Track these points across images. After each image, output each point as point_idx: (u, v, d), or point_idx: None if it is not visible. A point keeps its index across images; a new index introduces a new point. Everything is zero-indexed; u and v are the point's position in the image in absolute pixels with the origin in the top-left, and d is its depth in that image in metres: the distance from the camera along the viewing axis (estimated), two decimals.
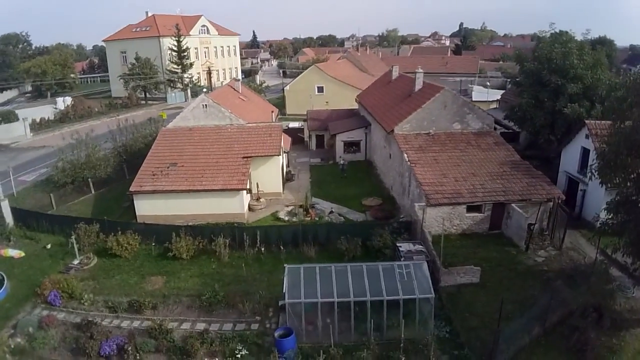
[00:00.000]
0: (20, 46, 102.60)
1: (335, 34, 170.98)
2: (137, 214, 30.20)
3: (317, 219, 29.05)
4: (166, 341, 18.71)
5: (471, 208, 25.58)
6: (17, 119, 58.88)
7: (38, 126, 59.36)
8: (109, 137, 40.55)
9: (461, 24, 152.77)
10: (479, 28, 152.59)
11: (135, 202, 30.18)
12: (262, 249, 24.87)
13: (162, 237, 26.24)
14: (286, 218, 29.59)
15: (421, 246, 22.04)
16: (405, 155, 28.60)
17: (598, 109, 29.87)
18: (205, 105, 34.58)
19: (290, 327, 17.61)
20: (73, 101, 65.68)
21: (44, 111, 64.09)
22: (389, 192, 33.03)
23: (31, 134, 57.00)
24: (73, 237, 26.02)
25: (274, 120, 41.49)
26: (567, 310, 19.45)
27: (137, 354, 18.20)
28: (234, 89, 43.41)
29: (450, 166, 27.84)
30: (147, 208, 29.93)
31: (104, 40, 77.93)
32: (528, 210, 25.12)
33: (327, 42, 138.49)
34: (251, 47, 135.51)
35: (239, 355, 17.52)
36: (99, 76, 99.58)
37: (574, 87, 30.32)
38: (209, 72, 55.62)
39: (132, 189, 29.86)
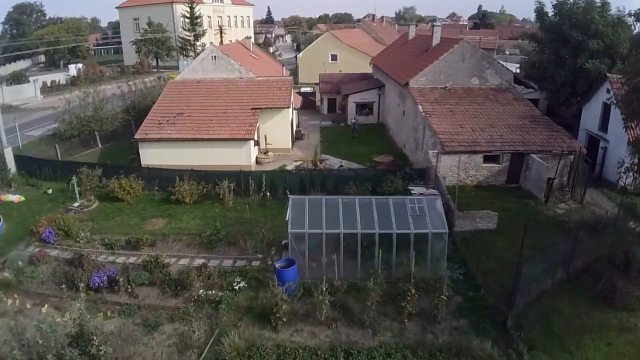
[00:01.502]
0: (34, 15, 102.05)
1: (351, 12, 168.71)
2: (142, 163, 29.29)
3: (325, 171, 27.81)
4: (161, 274, 17.71)
5: (488, 158, 24.17)
6: (28, 81, 58.48)
7: (49, 89, 58.93)
8: (119, 96, 39.89)
9: (480, 7, 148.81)
10: (498, 11, 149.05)
11: (140, 150, 29.27)
12: (268, 193, 23.75)
13: (166, 182, 25.31)
14: (295, 171, 28.37)
15: (435, 190, 20.72)
16: (420, 107, 27.17)
17: (619, 67, 28.47)
18: (214, 56, 33.37)
19: (293, 259, 16.48)
20: (84, 66, 64.87)
21: (57, 77, 63.64)
22: (402, 151, 31.68)
23: (41, 96, 56.56)
24: (74, 178, 25.21)
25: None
26: (591, 258, 18.13)
27: (129, 286, 17.20)
28: (245, 46, 42.05)
29: (467, 117, 26.40)
30: (152, 157, 28.97)
31: (117, 7, 76.82)
32: (548, 164, 23.62)
33: (343, 20, 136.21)
34: (266, 22, 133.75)
35: (236, 288, 16.46)
36: (112, 47, 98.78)
37: (594, 43, 28.84)
38: (221, 32, 54.26)
39: (137, 136, 28.99)
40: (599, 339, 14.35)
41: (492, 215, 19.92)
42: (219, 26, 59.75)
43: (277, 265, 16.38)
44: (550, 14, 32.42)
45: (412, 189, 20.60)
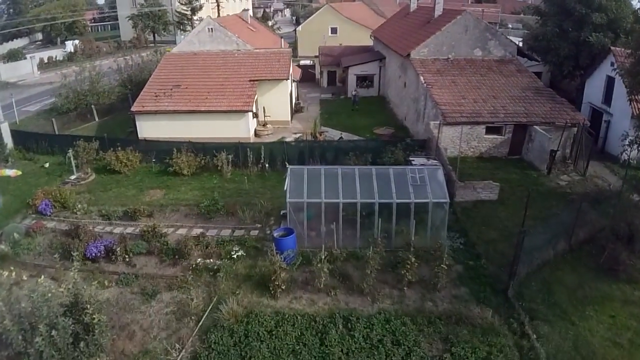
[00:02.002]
0: None
1: None
2: (139, 135, 28.88)
3: (325, 143, 27.38)
4: (159, 243, 17.48)
5: (490, 130, 23.73)
6: (24, 58, 57.57)
7: (46, 65, 58.08)
8: (115, 71, 39.26)
9: None
10: None
11: (137, 123, 28.83)
12: (267, 165, 23.38)
13: (163, 154, 24.98)
14: (293, 143, 27.95)
15: (436, 161, 20.33)
16: (422, 77, 26.58)
17: (622, 41, 28.05)
18: (211, 29, 32.60)
19: (291, 228, 16.21)
20: (81, 42, 63.77)
21: (54, 54, 62.70)
22: (402, 123, 31.20)
23: (38, 72, 55.74)
24: (70, 151, 24.86)
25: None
26: (594, 230, 17.86)
27: (127, 256, 16.96)
28: (242, 19, 41.11)
29: (469, 89, 25.84)
30: (149, 130, 28.55)
31: None
32: (551, 136, 23.16)
33: None
34: None
35: (235, 256, 16.23)
36: (109, 23, 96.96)
37: (598, 17, 28.26)
38: (218, 5, 53.08)
39: (133, 108, 28.50)
40: (602, 311, 14.11)
41: (493, 185, 19.60)
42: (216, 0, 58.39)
43: (275, 234, 16.12)
44: None
45: (413, 160, 20.24)
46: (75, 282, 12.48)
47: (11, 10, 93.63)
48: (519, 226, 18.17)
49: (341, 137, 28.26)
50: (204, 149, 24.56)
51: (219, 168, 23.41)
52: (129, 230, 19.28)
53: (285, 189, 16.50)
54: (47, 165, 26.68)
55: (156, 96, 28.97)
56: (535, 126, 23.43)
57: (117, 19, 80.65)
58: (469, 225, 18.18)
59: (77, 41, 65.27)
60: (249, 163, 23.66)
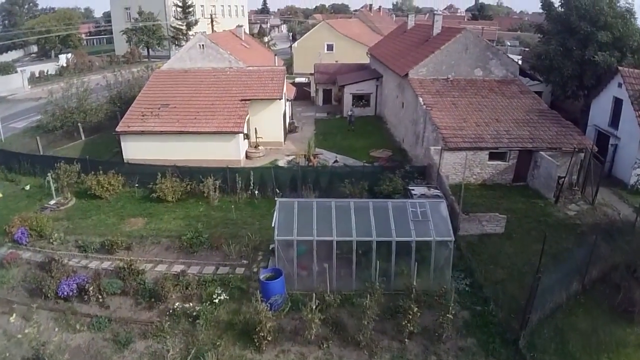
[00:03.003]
0: (26, 6, 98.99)
1: (347, 3, 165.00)
2: (124, 157, 27.28)
3: (319, 167, 25.84)
4: (135, 282, 15.78)
5: (494, 155, 22.22)
6: (15, 72, 56.07)
7: (37, 79, 56.56)
8: (104, 87, 37.79)
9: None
10: (495, 4, 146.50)
11: (122, 143, 27.21)
12: (256, 192, 21.74)
13: (147, 178, 23.32)
14: (286, 167, 26.41)
15: (437, 191, 18.77)
16: (421, 99, 25.15)
17: (629, 60, 26.75)
18: (202, 45, 31.19)
19: (279, 269, 14.52)
20: (73, 55, 62.34)
21: (47, 68, 61.29)
22: (400, 145, 29.71)
23: (29, 87, 54.25)
24: (49, 175, 23.26)
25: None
26: (608, 267, 16.31)
27: (100, 296, 15.29)
28: (236, 35, 39.76)
29: (470, 111, 24.41)
30: (135, 151, 26.96)
31: None
32: (558, 163, 21.68)
33: (340, 11, 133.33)
34: (261, 12, 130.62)
35: (216, 300, 14.51)
36: (105, 37, 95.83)
37: (603, 35, 26.97)
38: (212, 21, 51.83)
39: (118, 129, 26.89)
40: (616, 358, 12.85)
41: (499, 218, 18.03)
42: (210, 15, 57.05)
43: (262, 277, 14.43)
44: (556, 4, 30.52)
45: (413, 189, 18.66)
46: (37, 335, 10.90)
47: (6, 22, 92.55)
48: (528, 264, 16.67)
49: (336, 161, 26.75)
50: (191, 173, 22.94)
51: (205, 195, 21.74)
52: (105, 264, 17.73)
53: (273, 224, 14.86)
54: (27, 187, 25.08)
55: (143, 116, 27.42)
56: (541, 152, 21.96)
57: (112, 33, 79.59)
58: (475, 263, 16.54)
59: (69, 55, 63.79)
60: (237, 189, 22.02)
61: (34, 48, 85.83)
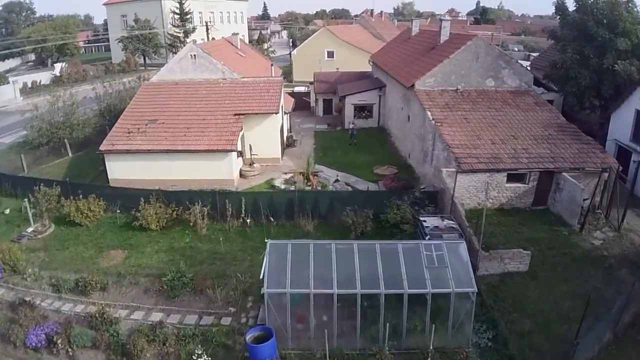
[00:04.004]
0: (23, 14, 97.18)
1: (348, 8, 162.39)
2: (109, 177, 25.00)
3: (319, 187, 23.47)
4: (108, 334, 13.47)
5: (512, 177, 19.76)
6: (7, 82, 53.87)
7: (29, 90, 54.32)
8: (93, 99, 35.51)
9: (478, 2, 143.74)
10: (496, 7, 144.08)
11: (106, 163, 24.89)
12: (248, 220, 19.33)
13: (131, 202, 20.97)
14: (282, 187, 24.04)
15: (452, 222, 16.32)
16: (429, 113, 22.73)
17: None
18: (194, 55, 28.83)
19: (270, 327, 12.11)
20: (67, 65, 60.13)
21: (41, 77, 59.16)
22: (406, 161, 27.26)
23: (21, 98, 52.00)
24: (26, 200, 21.05)
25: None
26: (638, 307, 13.97)
27: (70, 348, 13.07)
28: (231, 43, 37.40)
29: (484, 126, 21.97)
30: (120, 171, 24.70)
31: (104, 4, 71.77)
32: (584, 187, 19.23)
33: (340, 16, 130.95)
34: (261, 18, 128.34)
35: None
36: (104, 44, 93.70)
37: (622, 42, 24.54)
38: (207, 28, 49.54)
39: (102, 147, 24.55)
40: None
41: (524, 255, 15.59)
42: (205, 22, 54.68)
43: (248, 338, 12.02)
44: (571, 9, 28.04)
45: (424, 221, 16.19)
46: None
47: (3, 29, 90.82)
48: (556, 309, 14.31)
49: (337, 180, 24.34)
50: (177, 198, 20.59)
51: (191, 224, 19.35)
52: (79, 308, 15.65)
53: (262, 274, 12.45)
54: (7, 211, 22.89)
55: (129, 133, 25.10)
56: (563, 173, 19.52)
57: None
58: (498, 311, 14.09)
59: (63, 64, 61.65)
60: (228, 216, 19.62)
61: (32, 56, 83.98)
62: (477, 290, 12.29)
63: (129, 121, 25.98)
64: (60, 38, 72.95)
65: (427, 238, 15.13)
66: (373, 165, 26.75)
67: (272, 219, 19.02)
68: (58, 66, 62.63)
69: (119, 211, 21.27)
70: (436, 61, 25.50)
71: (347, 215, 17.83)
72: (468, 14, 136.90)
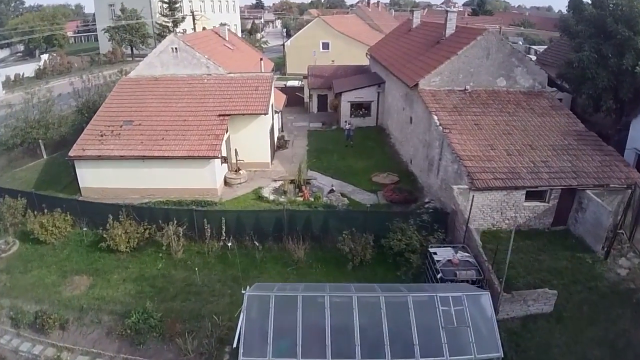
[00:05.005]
0: (12, 4, 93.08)
1: None
2: (80, 186, 22.21)
3: (311, 199, 20.74)
4: None
5: (531, 195, 17.06)
6: None
7: (12, 83, 50.88)
8: (71, 94, 32.40)
9: None
10: None
11: (77, 170, 22.01)
12: (229, 244, 16.55)
13: (99, 218, 18.25)
14: (271, 197, 21.28)
15: (467, 254, 13.62)
16: (435, 117, 19.94)
17: None
18: (175, 48, 25.76)
19: None
20: (51, 57, 56.61)
21: (28, 69, 55.63)
22: (407, 167, 24.51)
23: (4, 92, 48.57)
24: None
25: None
26: None
27: None
28: (219, 35, 34.21)
29: (498, 134, 19.22)
30: (92, 179, 22.00)
31: None
32: (611, 208, 16.58)
33: (336, 6, 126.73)
34: (255, 8, 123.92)
35: None
36: (94, 34, 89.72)
37: None
38: (193, 17, 46.23)
39: (71, 153, 21.66)
40: None
41: (549, 295, 13.00)
42: (191, 11, 51.07)
43: None
44: (587, 3, 25.13)
45: (435, 253, 13.48)
46: None
47: None
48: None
49: (332, 190, 21.58)
50: (150, 214, 17.80)
51: (163, 248, 16.59)
52: (37, 349, 13.41)
53: (236, 341, 9.74)
54: None
55: (102, 136, 22.18)
56: (587, 191, 16.87)
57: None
58: None
59: (46, 55, 58.17)
60: (207, 236, 16.85)
61: (21, 47, 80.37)
62: (502, 356, 9.66)
63: (102, 122, 23.04)
64: (47, 29, 69.32)
65: (438, 276, 12.46)
66: (371, 171, 24.03)
67: (256, 243, 16.26)
68: (44, 57, 59.22)
69: (85, 228, 18.54)
70: (442, 57, 22.64)
71: (343, 241, 15.07)
72: (464, 5, 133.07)
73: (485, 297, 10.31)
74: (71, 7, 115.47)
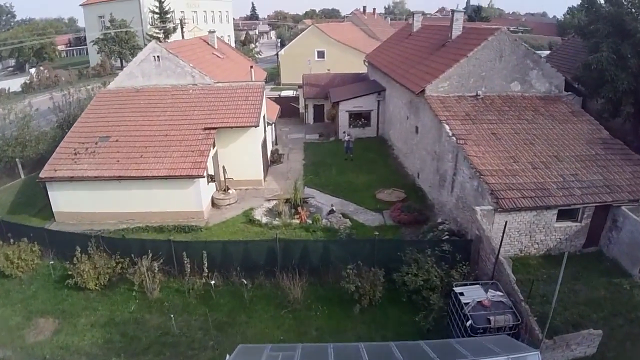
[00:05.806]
0: (3, 17, 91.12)
1: (338, 8, 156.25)
2: (53, 210, 19.79)
3: (309, 221, 18.26)
4: None
5: (562, 214, 14.62)
6: None
7: None
8: (52, 109, 30.11)
9: (468, 1, 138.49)
10: (487, 6, 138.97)
11: (49, 194, 19.54)
12: (212, 282, 13.96)
13: (68, 249, 15.74)
14: (264, 220, 18.79)
15: (499, 292, 11.08)
16: (447, 126, 17.54)
17: None
18: (157, 56, 23.37)
19: None
20: (38, 70, 54.34)
21: (15, 84, 53.31)
22: (414, 181, 22.07)
23: None
24: None
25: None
26: None
27: None
28: (207, 43, 31.87)
29: (519, 144, 16.83)
30: (66, 203, 19.57)
31: (81, 5, 65.63)
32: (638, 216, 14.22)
33: (331, 16, 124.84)
34: (250, 19, 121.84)
35: None
36: (86, 48, 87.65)
37: None
38: (182, 25, 43.98)
39: (42, 174, 19.19)
40: None
41: (594, 335, 10.55)
42: (179, 19, 48.90)
43: None
44: (600, 2, 22.93)
45: (462, 293, 10.93)
46: None
47: None
48: None
49: (332, 210, 19.10)
50: (124, 246, 15.26)
51: (135, 287, 14.03)
52: None
53: None
54: None
55: (75, 154, 19.72)
56: (622, 207, 14.47)
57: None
58: None
59: (33, 69, 55.96)
60: (187, 272, 14.31)
61: (12, 61, 78.29)
62: None
63: (76, 139, 20.57)
64: (37, 42, 67.14)
65: (468, 324, 9.94)
66: (374, 187, 21.59)
67: (244, 281, 13.69)
68: (33, 71, 56.99)
69: (52, 262, 16.00)
70: (450, 61, 20.31)
71: (348, 278, 12.51)
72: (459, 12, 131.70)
73: (534, 359, 7.81)
74: (64, 20, 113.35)
